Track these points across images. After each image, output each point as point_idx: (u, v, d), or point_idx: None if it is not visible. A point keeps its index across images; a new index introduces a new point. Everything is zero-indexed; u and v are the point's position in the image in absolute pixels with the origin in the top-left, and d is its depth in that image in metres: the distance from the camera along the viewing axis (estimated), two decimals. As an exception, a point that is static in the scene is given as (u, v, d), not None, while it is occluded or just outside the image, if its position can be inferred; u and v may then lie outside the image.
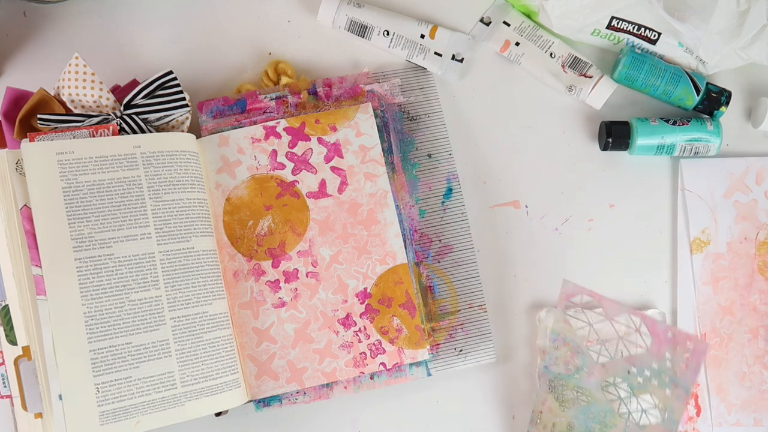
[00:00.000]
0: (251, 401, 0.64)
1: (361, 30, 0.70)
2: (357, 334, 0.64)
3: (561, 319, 0.66)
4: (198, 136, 0.66)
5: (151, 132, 0.63)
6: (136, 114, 0.63)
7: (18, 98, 0.63)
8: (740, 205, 0.70)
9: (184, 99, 0.64)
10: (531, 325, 0.69)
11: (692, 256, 0.69)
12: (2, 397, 0.61)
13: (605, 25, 0.68)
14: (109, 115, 0.62)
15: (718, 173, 0.71)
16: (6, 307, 0.58)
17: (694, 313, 0.69)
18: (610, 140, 0.69)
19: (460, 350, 0.66)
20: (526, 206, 0.71)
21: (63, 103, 0.63)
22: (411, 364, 0.65)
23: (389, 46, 0.70)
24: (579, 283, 0.67)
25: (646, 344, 0.64)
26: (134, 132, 0.63)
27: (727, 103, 0.69)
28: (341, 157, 0.66)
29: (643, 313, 0.64)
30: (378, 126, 0.67)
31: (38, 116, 0.61)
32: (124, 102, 0.63)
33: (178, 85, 0.64)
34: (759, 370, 0.68)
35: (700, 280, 0.69)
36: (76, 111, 0.63)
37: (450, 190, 0.69)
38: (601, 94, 0.70)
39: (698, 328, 0.69)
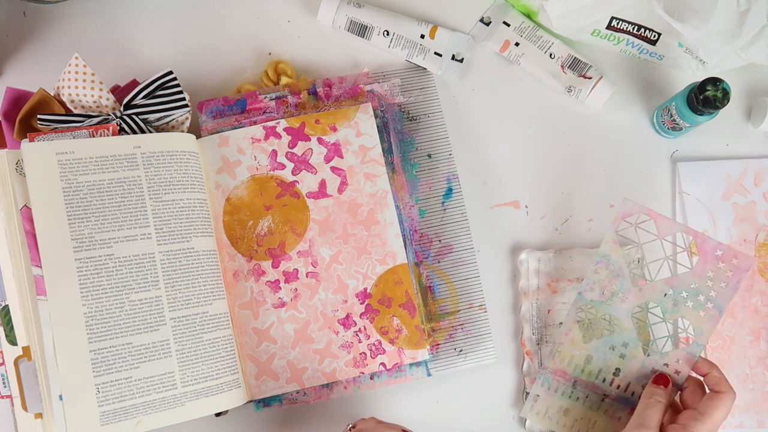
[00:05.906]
0: (251, 401, 0.64)
1: (361, 30, 0.70)
2: (357, 335, 0.64)
3: (611, 240, 0.64)
4: (198, 136, 0.66)
5: (151, 132, 0.63)
6: (136, 114, 0.63)
7: (18, 98, 0.63)
8: (739, 207, 0.70)
9: (184, 99, 0.64)
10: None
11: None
12: (2, 397, 0.61)
13: (605, 26, 0.68)
14: (109, 115, 0.62)
15: (715, 176, 0.70)
16: (6, 307, 0.58)
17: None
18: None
19: (460, 350, 0.66)
20: (526, 206, 0.71)
21: (63, 104, 0.63)
22: (411, 364, 0.65)
23: (389, 46, 0.70)
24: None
25: (692, 263, 0.63)
26: (134, 132, 0.63)
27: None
28: (341, 157, 0.66)
29: (696, 230, 0.63)
30: (378, 126, 0.67)
31: (38, 116, 0.61)
32: (124, 102, 0.63)
33: (178, 85, 0.64)
34: (762, 372, 0.68)
35: (700, 281, 0.69)
36: (76, 111, 0.63)
37: (450, 190, 0.69)
38: (600, 96, 0.70)
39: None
